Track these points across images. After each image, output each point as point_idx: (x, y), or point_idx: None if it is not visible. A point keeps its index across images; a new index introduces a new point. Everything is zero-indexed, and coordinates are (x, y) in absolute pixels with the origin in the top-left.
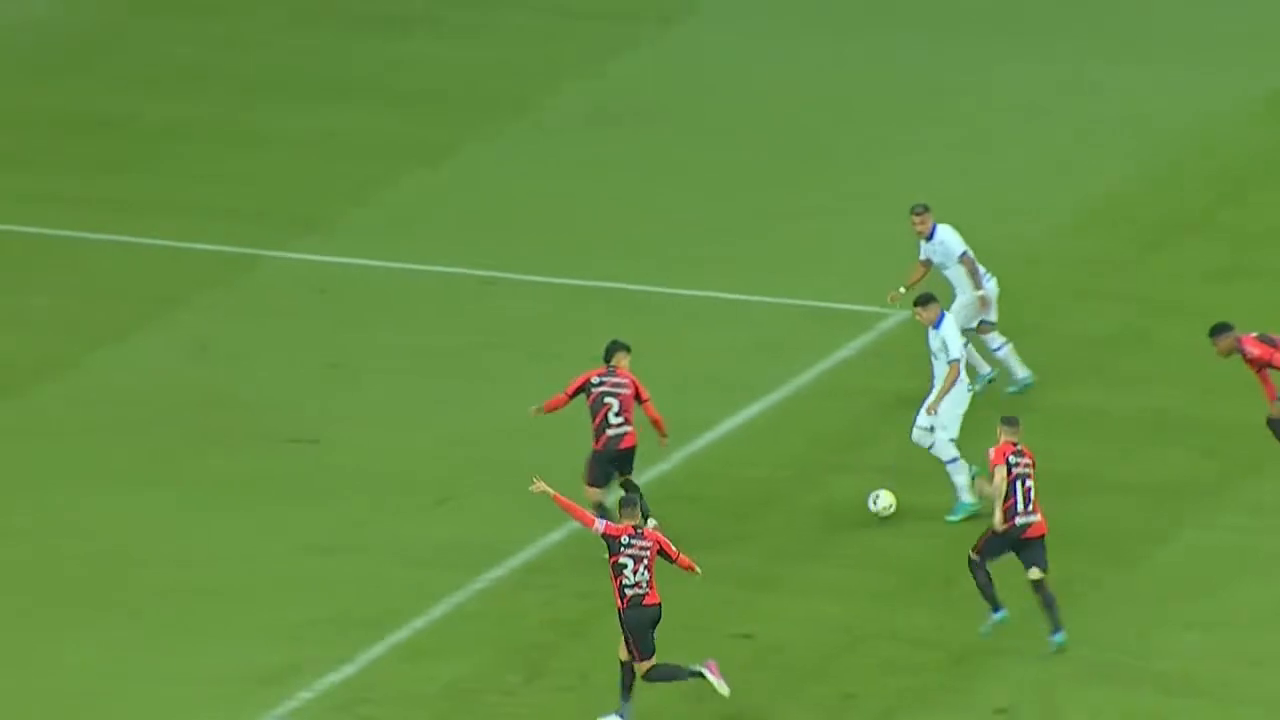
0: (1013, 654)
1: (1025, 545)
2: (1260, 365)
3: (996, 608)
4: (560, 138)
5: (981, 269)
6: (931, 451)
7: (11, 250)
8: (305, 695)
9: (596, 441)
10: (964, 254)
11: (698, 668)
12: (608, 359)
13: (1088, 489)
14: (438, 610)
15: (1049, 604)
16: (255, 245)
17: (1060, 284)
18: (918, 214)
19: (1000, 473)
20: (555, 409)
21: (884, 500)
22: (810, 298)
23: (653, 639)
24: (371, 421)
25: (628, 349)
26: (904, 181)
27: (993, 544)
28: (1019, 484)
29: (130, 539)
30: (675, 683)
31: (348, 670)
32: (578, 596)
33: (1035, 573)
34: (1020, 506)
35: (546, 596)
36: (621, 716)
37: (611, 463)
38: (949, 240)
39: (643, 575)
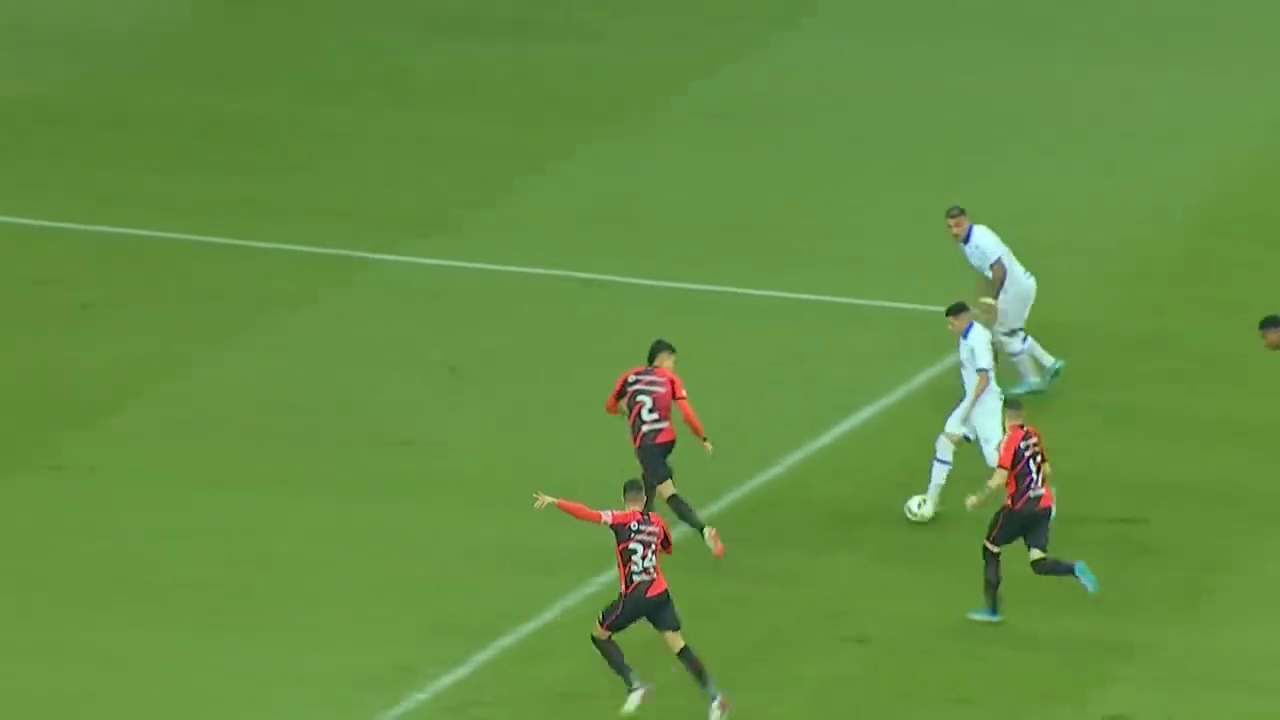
0: (1129, 657)
1: (1034, 522)
2: None
3: (994, 610)
4: (681, 140)
5: (1020, 268)
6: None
7: (143, 253)
8: (419, 697)
9: (634, 439)
10: (997, 260)
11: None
12: (651, 358)
13: (1219, 499)
14: (549, 614)
15: (1058, 570)
16: (374, 249)
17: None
18: (953, 217)
19: (1001, 476)
20: (611, 412)
21: (917, 507)
22: (924, 302)
23: (672, 616)
24: (486, 424)
25: (672, 349)
26: (1022, 186)
27: (1007, 527)
28: (1031, 463)
29: (245, 542)
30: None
31: (460, 672)
32: (685, 597)
33: (1037, 553)
34: (1032, 482)
35: None
36: (632, 687)
37: (654, 458)
38: (985, 244)
39: (650, 561)
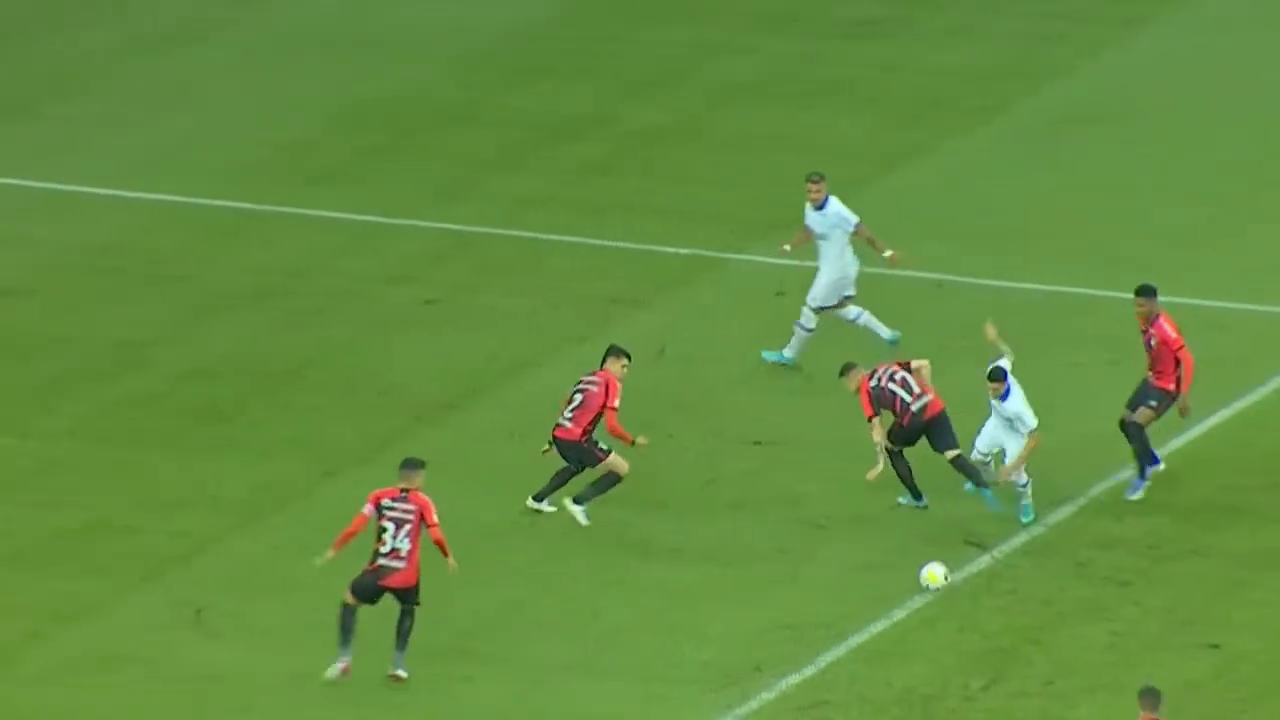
0: None
1: (930, 428)
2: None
3: (918, 497)
4: (1034, 140)
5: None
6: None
7: (493, 250)
8: (765, 696)
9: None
10: (858, 225)
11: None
12: (602, 361)
13: None
14: (897, 614)
15: (970, 473)
16: (718, 248)
17: None
18: (814, 182)
19: (874, 429)
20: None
21: (929, 578)
22: (1274, 304)
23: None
24: (826, 423)
25: (622, 355)
26: None
27: (899, 434)
28: (896, 387)
29: (594, 539)
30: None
31: (807, 672)
32: (1040, 602)
33: (951, 453)
34: (907, 397)
35: (1006, 602)
36: (343, 661)
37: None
38: (843, 209)
39: (401, 542)
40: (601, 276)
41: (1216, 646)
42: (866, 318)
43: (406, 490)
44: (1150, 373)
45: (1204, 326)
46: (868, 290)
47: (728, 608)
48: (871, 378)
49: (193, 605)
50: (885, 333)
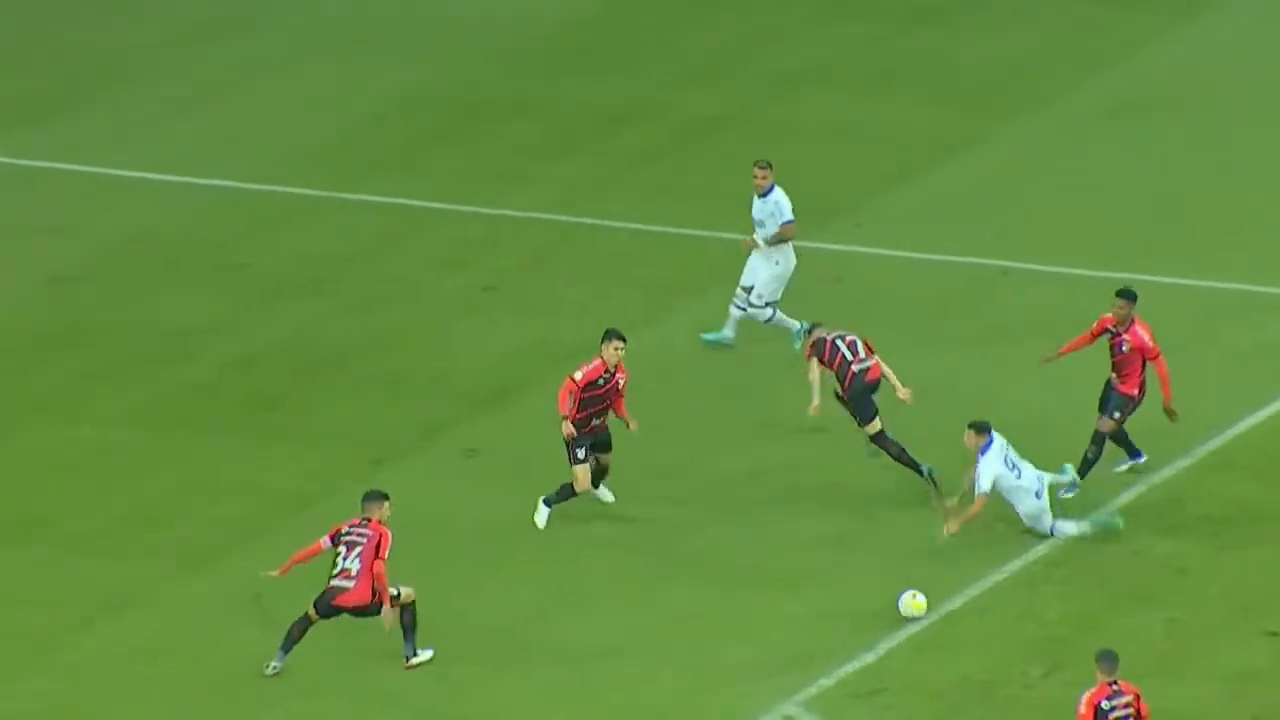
0: None
1: (869, 392)
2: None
3: (919, 469)
4: (1088, 127)
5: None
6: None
7: (547, 237)
8: (824, 682)
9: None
10: (791, 221)
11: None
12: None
13: None
14: (954, 603)
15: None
16: None
17: None
18: (761, 169)
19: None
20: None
21: (913, 606)
22: None
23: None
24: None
25: (615, 338)
26: None
27: (847, 399)
28: (844, 346)
29: (645, 527)
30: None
31: (866, 658)
32: (1097, 590)
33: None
34: (850, 356)
35: (1064, 590)
36: (278, 661)
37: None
38: (784, 202)
39: (352, 563)
40: (654, 264)
41: (1275, 634)
42: (778, 315)
43: (368, 519)
44: (1114, 375)
45: (1260, 310)
46: (927, 276)
47: (783, 595)
48: (827, 345)
49: (245, 593)
50: (794, 325)
